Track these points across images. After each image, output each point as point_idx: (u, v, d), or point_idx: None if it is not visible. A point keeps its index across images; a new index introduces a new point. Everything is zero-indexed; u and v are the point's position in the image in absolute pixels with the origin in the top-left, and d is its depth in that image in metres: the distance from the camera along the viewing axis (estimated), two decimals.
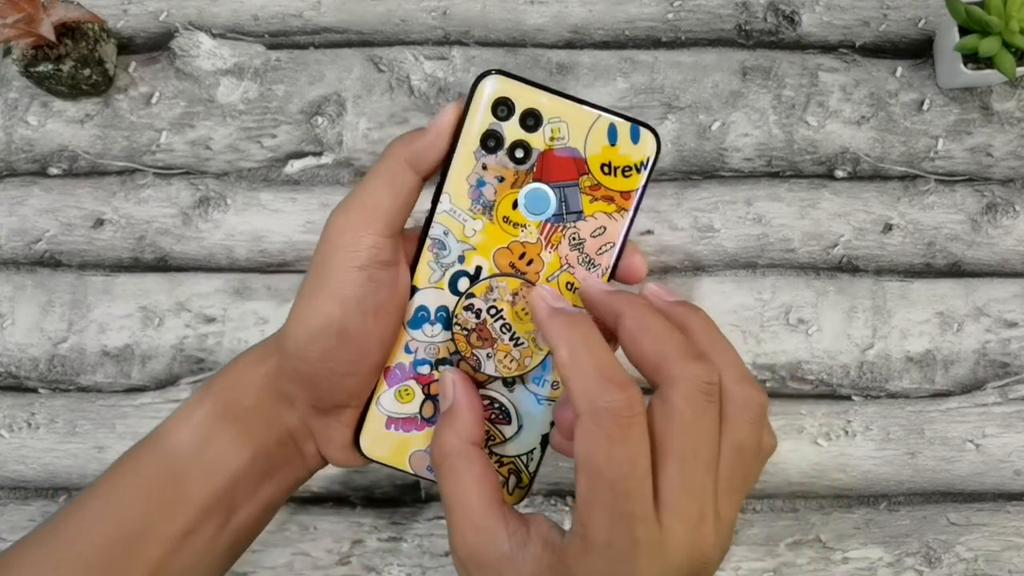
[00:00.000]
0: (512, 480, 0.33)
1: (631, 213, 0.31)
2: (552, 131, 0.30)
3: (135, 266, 0.50)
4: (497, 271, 0.31)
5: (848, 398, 0.48)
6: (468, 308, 0.31)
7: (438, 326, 0.32)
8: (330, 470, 0.48)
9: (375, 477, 0.47)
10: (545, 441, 0.33)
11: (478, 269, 0.32)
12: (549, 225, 0.31)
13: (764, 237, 0.50)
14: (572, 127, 0.30)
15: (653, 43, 0.52)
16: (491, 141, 0.30)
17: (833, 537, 0.47)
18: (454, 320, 0.31)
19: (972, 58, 0.48)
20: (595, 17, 0.53)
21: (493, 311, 0.31)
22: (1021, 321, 0.49)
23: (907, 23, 0.52)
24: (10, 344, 0.49)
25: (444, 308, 0.32)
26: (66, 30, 0.48)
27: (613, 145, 0.30)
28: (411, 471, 0.33)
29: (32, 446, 0.48)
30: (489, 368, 0.32)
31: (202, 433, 0.32)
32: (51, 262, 0.50)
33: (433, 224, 0.31)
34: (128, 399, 0.49)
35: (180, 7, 0.53)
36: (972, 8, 0.45)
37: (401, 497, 0.47)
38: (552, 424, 0.33)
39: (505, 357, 0.32)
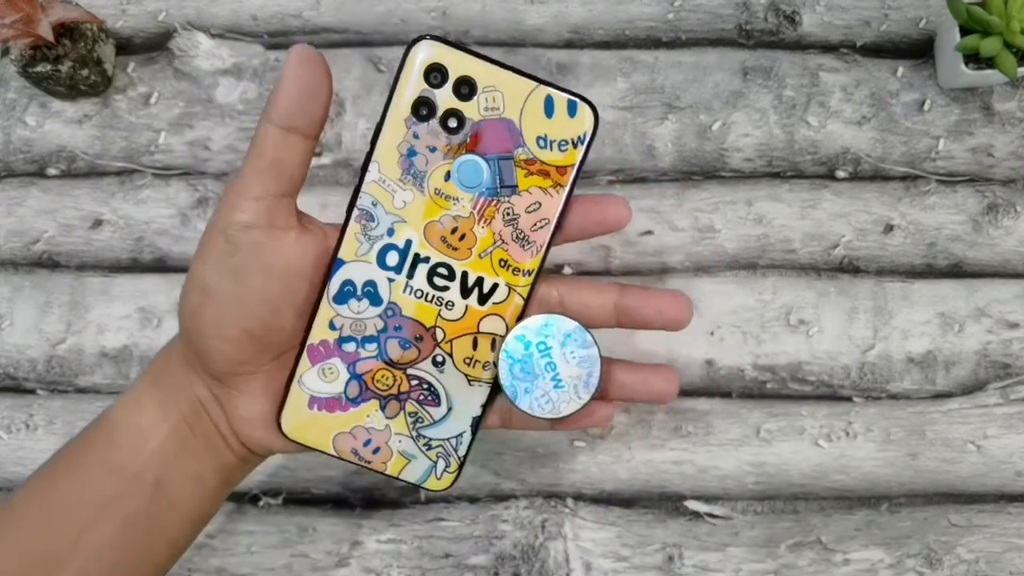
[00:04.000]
0: (441, 464, 0.33)
1: (567, 189, 0.30)
2: (487, 100, 0.29)
3: (134, 267, 0.50)
4: (428, 245, 0.30)
5: (849, 399, 0.48)
6: (520, 338, 0.30)
7: (365, 302, 0.31)
8: (328, 471, 0.47)
9: (375, 479, 0.47)
10: (476, 424, 0.32)
11: (407, 243, 0.30)
12: (483, 199, 0.30)
13: (765, 238, 0.50)
14: (508, 97, 0.29)
15: (653, 43, 0.52)
16: (423, 109, 0.29)
17: (834, 539, 0.47)
18: (503, 348, 0.30)
19: (973, 58, 0.48)
20: (595, 17, 0.52)
21: (542, 347, 0.31)
22: (1022, 322, 0.49)
23: (908, 23, 0.52)
24: (8, 345, 0.49)
25: (372, 283, 0.31)
26: (64, 30, 0.48)
27: (550, 118, 0.29)
28: (334, 454, 0.32)
29: (31, 447, 0.48)
30: (524, 404, 0.31)
31: (136, 402, 0.32)
32: (49, 263, 0.50)
33: (361, 194, 0.30)
34: None
35: (179, 7, 0.53)
36: (973, 8, 0.45)
37: (400, 499, 0.47)
38: (484, 407, 0.32)
39: (542, 397, 0.31)
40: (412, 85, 0.29)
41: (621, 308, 0.32)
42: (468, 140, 0.29)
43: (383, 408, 0.32)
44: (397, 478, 0.33)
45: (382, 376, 0.32)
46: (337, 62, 0.52)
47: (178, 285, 0.49)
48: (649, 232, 0.50)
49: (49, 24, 0.46)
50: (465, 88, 0.29)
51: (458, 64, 0.29)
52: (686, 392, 0.48)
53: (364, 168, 0.30)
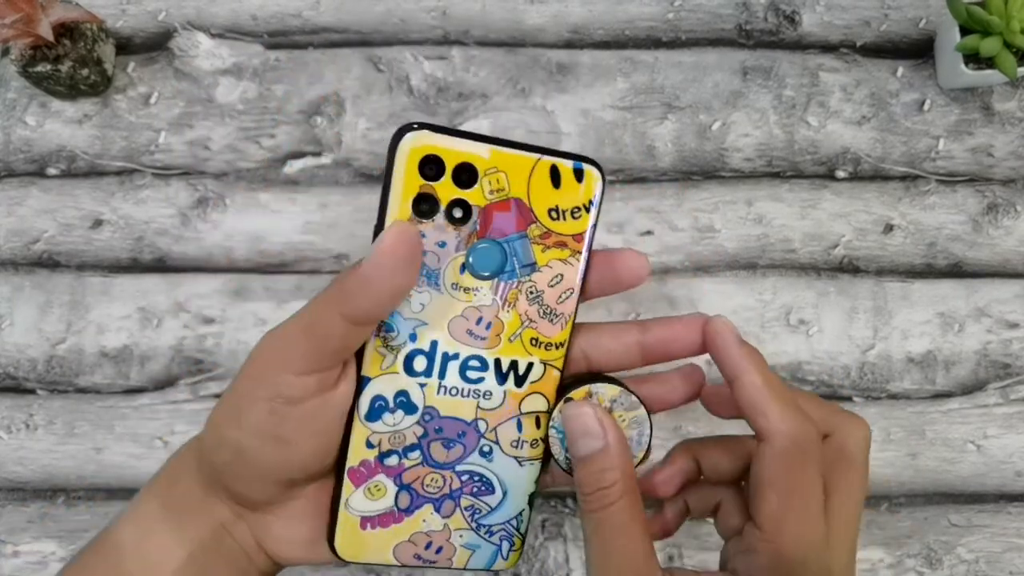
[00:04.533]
0: (505, 545, 0.32)
1: (585, 255, 0.29)
2: (491, 183, 0.27)
3: (133, 267, 0.50)
4: (454, 341, 0.29)
5: (849, 399, 0.48)
6: None
7: (400, 412, 0.30)
8: None
9: None
10: (532, 500, 0.32)
11: (433, 344, 0.29)
12: (503, 284, 0.29)
13: (765, 237, 0.50)
14: (511, 175, 0.27)
15: (653, 43, 0.52)
16: (424, 205, 0.27)
17: None
18: (551, 423, 0.30)
19: (973, 58, 0.48)
20: (595, 17, 0.52)
21: None
22: (1022, 322, 0.49)
23: (908, 23, 0.52)
24: (8, 345, 0.49)
25: (403, 392, 0.29)
26: (64, 30, 0.48)
27: (558, 188, 0.28)
28: (397, 564, 0.32)
29: (30, 447, 0.48)
30: None
31: (144, 528, 0.30)
32: (49, 263, 0.50)
33: None
34: (127, 400, 0.48)
35: (178, 7, 0.53)
36: (973, 8, 0.45)
37: None
38: (537, 482, 0.32)
39: None
40: (408, 182, 0.27)
41: (645, 348, 0.31)
42: (477, 227, 0.28)
43: (438, 510, 0.31)
44: (464, 570, 0.32)
45: (431, 480, 0.31)
46: (336, 62, 0.52)
47: (178, 285, 0.49)
48: (649, 232, 0.50)
49: (49, 24, 0.46)
50: (465, 175, 0.27)
51: (452, 150, 0.27)
52: None
53: None
